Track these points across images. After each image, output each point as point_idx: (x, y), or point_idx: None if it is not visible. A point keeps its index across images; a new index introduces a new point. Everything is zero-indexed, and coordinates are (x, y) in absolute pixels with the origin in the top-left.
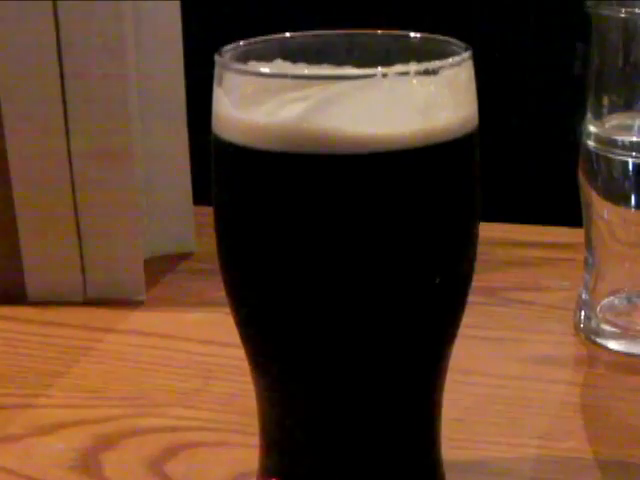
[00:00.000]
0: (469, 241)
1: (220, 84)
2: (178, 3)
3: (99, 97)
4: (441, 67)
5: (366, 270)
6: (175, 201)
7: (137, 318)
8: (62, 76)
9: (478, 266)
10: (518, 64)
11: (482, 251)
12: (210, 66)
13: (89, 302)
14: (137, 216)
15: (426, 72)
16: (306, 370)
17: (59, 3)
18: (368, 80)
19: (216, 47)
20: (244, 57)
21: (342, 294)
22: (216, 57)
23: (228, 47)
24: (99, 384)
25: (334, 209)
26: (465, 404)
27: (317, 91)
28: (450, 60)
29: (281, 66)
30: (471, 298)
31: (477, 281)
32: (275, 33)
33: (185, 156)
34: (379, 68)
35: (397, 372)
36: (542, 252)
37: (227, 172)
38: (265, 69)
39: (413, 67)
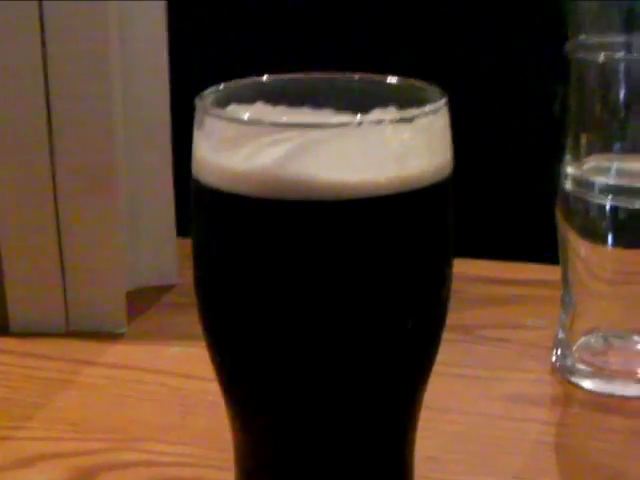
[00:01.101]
0: (442, 286)
1: (200, 127)
2: (164, 29)
3: (84, 121)
4: (416, 115)
5: (338, 315)
6: (158, 233)
7: (117, 351)
8: (48, 101)
9: (454, 303)
10: (497, 104)
11: (458, 288)
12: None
13: (71, 334)
14: (120, 249)
15: (401, 120)
16: (278, 408)
17: (46, 23)
18: (343, 128)
19: (203, 80)
20: (225, 100)
21: (314, 337)
22: (197, 101)
23: (209, 90)
24: (79, 417)
25: (309, 255)
26: (440, 442)
27: (294, 137)
28: (425, 108)
29: (261, 110)
30: (447, 335)
31: (453, 319)
32: (263, 72)
33: (169, 187)
34: (354, 117)
35: (369, 413)
36: (519, 289)
37: (204, 214)
38: (242, 115)
39: (388, 115)
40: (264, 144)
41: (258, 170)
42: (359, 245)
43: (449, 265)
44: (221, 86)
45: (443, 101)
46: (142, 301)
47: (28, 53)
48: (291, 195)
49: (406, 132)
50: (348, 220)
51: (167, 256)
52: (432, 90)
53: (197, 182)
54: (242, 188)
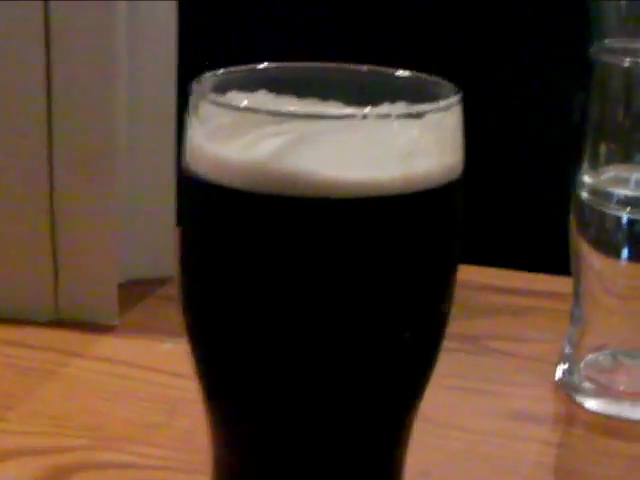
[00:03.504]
0: (443, 296)
1: (194, 113)
2: (175, 12)
3: (85, 109)
4: (426, 111)
5: (330, 322)
6: (157, 224)
7: (106, 344)
8: (49, 81)
9: (459, 311)
10: (513, 108)
11: (465, 296)
12: None
13: (59, 323)
14: (114, 238)
15: (410, 115)
16: (263, 419)
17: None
18: (346, 121)
19: (210, 70)
20: (224, 86)
21: (303, 344)
22: (194, 85)
23: (207, 75)
24: (60, 411)
25: (302, 256)
26: (433, 458)
27: (292, 129)
28: (436, 104)
29: (263, 98)
30: (449, 344)
31: (456, 327)
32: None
33: (170, 178)
34: (359, 109)
35: (358, 426)
36: (527, 300)
37: (193, 206)
38: (239, 102)
39: (395, 110)
40: (260, 135)
41: (252, 162)
42: (356, 248)
43: (453, 274)
44: (220, 71)
45: (456, 98)
46: (136, 293)
47: (31, 37)
48: (286, 191)
49: (414, 128)
50: (346, 220)
51: (164, 248)
52: (445, 86)
53: (187, 172)
54: (235, 181)
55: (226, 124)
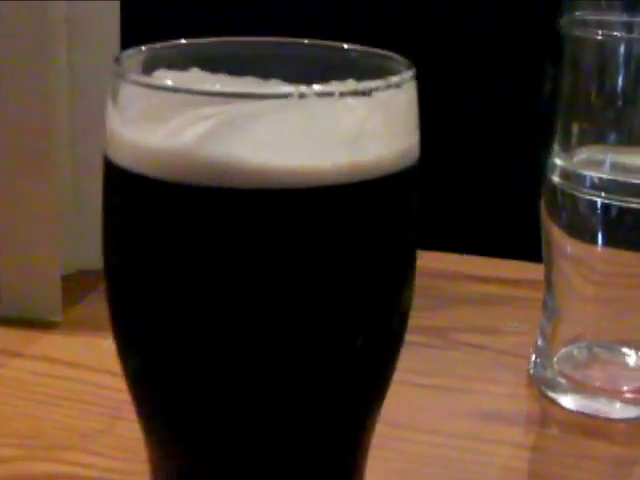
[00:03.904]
0: (399, 296)
1: (113, 95)
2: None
3: (23, 100)
4: (374, 88)
5: (267, 326)
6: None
7: (48, 341)
8: None
9: (426, 302)
10: (477, 85)
11: (430, 285)
12: None
13: (1, 319)
14: (56, 227)
15: (355, 93)
16: (198, 430)
17: None
18: (282, 101)
19: None
20: (150, 64)
21: (239, 351)
22: (112, 64)
23: (129, 52)
24: None
25: (232, 254)
26: (398, 465)
27: (221, 111)
28: (386, 80)
29: (196, 77)
30: (415, 338)
31: (423, 319)
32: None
33: None
34: (296, 87)
35: (310, 436)
36: (497, 288)
37: (113, 197)
38: (158, 82)
39: (339, 87)
40: (184, 119)
41: (175, 149)
42: (296, 245)
43: (410, 272)
44: (144, 48)
45: (409, 73)
46: (82, 286)
47: None
48: (213, 181)
49: (361, 108)
50: (283, 214)
51: None
52: (398, 61)
53: (106, 160)
54: (156, 170)
55: (146, 107)
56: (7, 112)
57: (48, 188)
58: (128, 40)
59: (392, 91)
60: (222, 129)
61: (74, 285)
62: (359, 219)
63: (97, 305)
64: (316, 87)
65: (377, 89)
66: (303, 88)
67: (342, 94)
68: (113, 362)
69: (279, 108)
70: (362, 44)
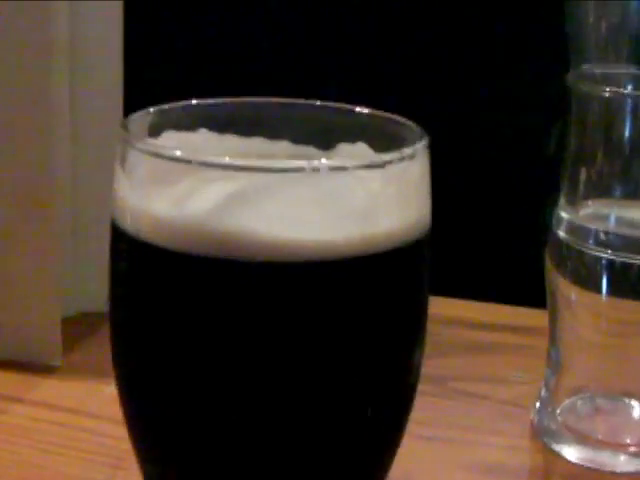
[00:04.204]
0: (409, 366)
1: (121, 161)
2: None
3: (22, 139)
4: (388, 161)
5: (276, 400)
6: (104, 255)
7: (48, 387)
8: None
9: (428, 349)
10: (482, 140)
11: (435, 331)
12: None
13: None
14: (57, 268)
15: (369, 166)
16: None
17: None
18: (295, 174)
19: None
20: (157, 127)
21: (248, 419)
22: (120, 128)
23: (136, 115)
24: None
25: (244, 326)
26: None
27: (233, 184)
28: (400, 152)
29: (204, 138)
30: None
31: (426, 366)
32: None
33: None
34: (309, 161)
35: None
36: (500, 336)
37: (121, 265)
38: (168, 151)
39: (352, 161)
40: (195, 188)
41: (185, 219)
42: (307, 318)
43: (420, 345)
44: (151, 109)
45: (423, 143)
46: (82, 329)
47: None
48: (224, 253)
49: (374, 181)
50: (295, 287)
51: None
52: (409, 128)
53: (114, 226)
54: (165, 239)
55: (154, 175)
56: (8, 158)
57: (47, 229)
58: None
59: (406, 163)
60: (234, 200)
61: (75, 328)
62: (370, 291)
63: (98, 349)
64: (329, 162)
65: (391, 162)
66: (316, 162)
67: (355, 167)
68: (115, 409)
69: (292, 182)
70: (368, 103)
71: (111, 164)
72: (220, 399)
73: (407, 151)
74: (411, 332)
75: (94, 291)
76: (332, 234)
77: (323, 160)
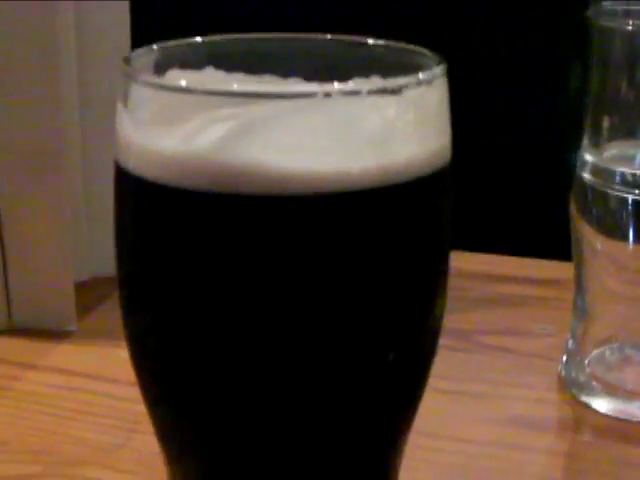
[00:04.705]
0: (432, 307)
1: (124, 98)
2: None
3: (31, 100)
4: (404, 86)
5: (291, 341)
6: None
7: (63, 352)
8: None
9: (451, 303)
10: (504, 80)
11: (458, 286)
12: None
13: (12, 332)
14: (68, 234)
15: (384, 91)
16: (224, 448)
17: None
18: (306, 100)
19: None
20: (162, 64)
21: (265, 367)
22: (122, 64)
23: (140, 51)
24: (8, 434)
25: (257, 264)
26: (427, 475)
27: (239, 112)
28: (416, 77)
29: (211, 76)
30: (442, 341)
31: (450, 321)
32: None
33: None
34: (320, 85)
35: (339, 455)
36: (526, 289)
37: (126, 206)
38: (173, 83)
39: (366, 85)
40: (200, 121)
41: (191, 155)
42: (323, 254)
43: (442, 280)
44: (155, 47)
45: (440, 69)
46: (96, 293)
47: None
48: (232, 187)
49: (391, 107)
50: (308, 222)
51: None
52: (427, 56)
53: (117, 166)
54: (171, 177)
55: (159, 110)
56: (17, 120)
57: (59, 194)
58: (139, 41)
59: (423, 88)
60: (241, 132)
61: (88, 293)
62: (389, 225)
63: (112, 313)
64: (342, 85)
65: (407, 87)
66: (328, 87)
67: (370, 92)
68: (130, 372)
69: (302, 109)
70: (385, 38)
71: None
72: (235, 343)
73: (424, 76)
74: (434, 265)
75: (108, 255)
76: (347, 164)
77: (336, 84)
